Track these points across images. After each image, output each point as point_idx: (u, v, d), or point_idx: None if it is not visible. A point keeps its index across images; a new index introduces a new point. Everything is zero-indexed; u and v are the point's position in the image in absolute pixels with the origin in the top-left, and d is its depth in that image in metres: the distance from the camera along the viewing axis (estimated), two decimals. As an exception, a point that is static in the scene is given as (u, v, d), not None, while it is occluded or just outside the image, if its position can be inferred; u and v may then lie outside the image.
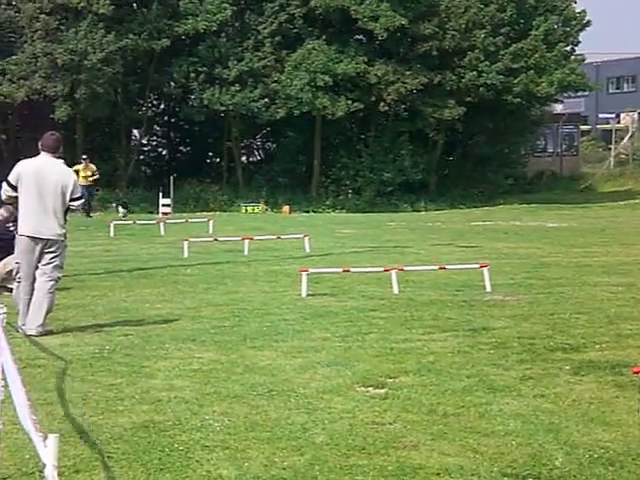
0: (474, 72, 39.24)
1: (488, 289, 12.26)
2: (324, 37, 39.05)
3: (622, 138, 54.48)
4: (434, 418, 6.18)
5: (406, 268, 13.37)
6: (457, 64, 39.82)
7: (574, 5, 41.84)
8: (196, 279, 14.06)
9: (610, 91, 71.12)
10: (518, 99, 40.37)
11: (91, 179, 30.54)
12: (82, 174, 29.33)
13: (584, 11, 41.77)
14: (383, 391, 6.89)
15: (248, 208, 38.10)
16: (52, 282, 9.39)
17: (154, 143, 46.67)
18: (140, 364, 7.81)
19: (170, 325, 9.81)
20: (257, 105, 38.35)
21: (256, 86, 38.51)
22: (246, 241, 18.24)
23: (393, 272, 12.46)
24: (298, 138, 42.18)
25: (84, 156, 31.65)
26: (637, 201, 40.73)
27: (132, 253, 18.56)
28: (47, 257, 9.37)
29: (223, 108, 38.69)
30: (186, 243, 17.71)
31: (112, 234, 22.91)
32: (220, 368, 7.67)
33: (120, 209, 32.76)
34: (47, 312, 9.35)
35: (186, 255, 17.30)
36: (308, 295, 11.91)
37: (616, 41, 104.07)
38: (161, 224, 24.33)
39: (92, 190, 31.38)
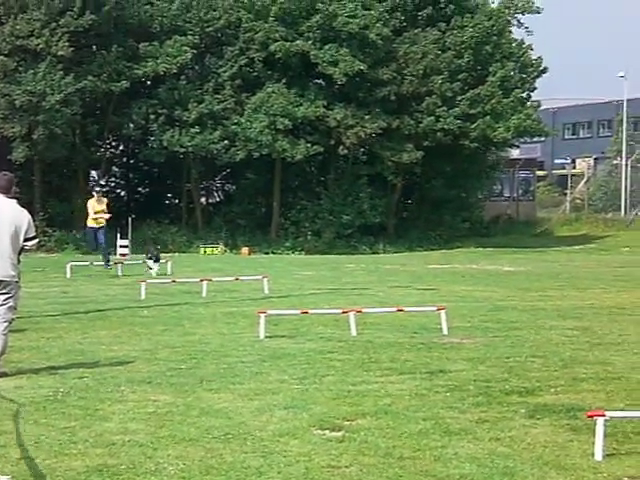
0: (432, 117, 39.60)
1: (445, 332, 12.32)
2: (284, 81, 39.26)
3: (578, 183, 55.23)
4: (390, 461, 6.17)
5: (364, 310, 13.39)
6: (415, 109, 40.17)
7: (530, 52, 42.49)
8: (153, 321, 13.98)
9: (566, 137, 72.22)
10: (475, 144, 40.76)
11: (103, 219, 23.80)
12: (98, 208, 23.75)
13: (540, 58, 42.45)
14: (340, 434, 6.88)
15: (207, 249, 38.02)
16: (5, 324, 9.31)
17: (112, 184, 46.42)
18: (94, 407, 7.74)
19: (126, 367, 9.73)
20: (217, 147, 38.40)
21: (216, 128, 38.57)
22: (204, 282, 18.18)
23: (351, 314, 12.47)
24: (258, 180, 42.24)
25: (97, 189, 25.86)
26: (592, 246, 41.20)
27: (89, 294, 18.41)
28: (0, 298, 9.28)
29: (183, 150, 38.71)
30: (144, 284, 17.60)
31: (69, 275, 22.73)
32: (176, 411, 7.62)
33: (151, 265, 23.79)
34: (0, 354, 9.25)
35: (143, 296, 17.19)
36: (266, 337, 11.88)
37: (572, 88, 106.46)
38: (119, 265, 24.19)
39: (106, 231, 24.39)
